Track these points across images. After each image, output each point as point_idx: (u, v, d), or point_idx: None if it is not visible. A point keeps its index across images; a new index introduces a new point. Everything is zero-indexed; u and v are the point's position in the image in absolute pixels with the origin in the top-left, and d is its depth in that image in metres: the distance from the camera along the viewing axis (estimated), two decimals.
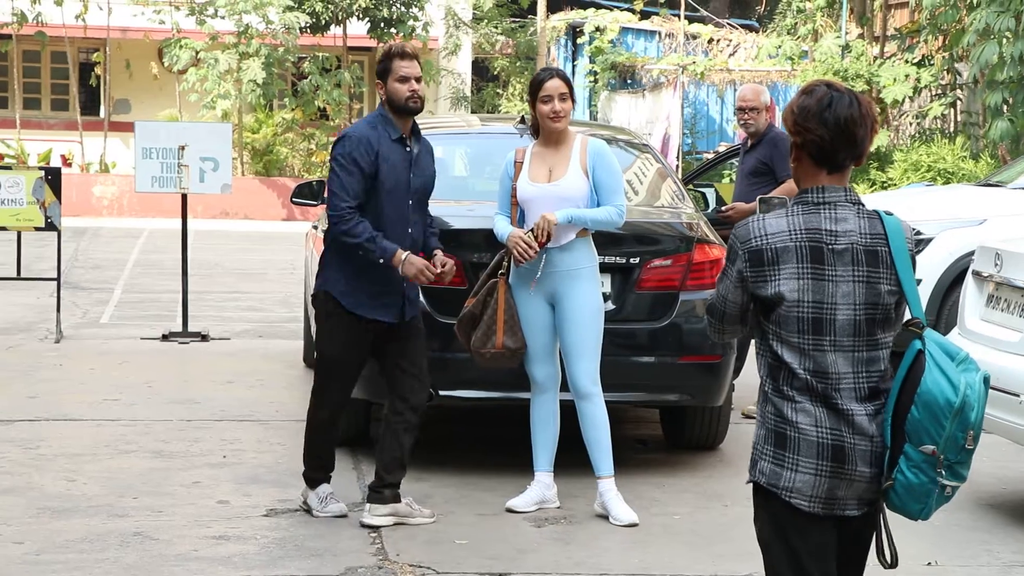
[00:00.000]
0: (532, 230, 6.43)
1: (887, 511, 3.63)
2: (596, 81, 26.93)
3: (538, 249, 6.43)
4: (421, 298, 6.70)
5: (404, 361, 6.35)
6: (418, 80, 6.27)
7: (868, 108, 3.62)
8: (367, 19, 23.90)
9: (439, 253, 6.41)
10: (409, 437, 6.35)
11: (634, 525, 6.42)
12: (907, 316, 3.62)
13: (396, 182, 6.25)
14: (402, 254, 6.16)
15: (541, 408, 6.67)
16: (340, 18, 23.87)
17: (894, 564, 3.64)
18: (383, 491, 6.29)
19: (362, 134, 6.24)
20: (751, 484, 3.69)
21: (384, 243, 6.16)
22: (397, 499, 6.32)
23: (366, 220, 6.17)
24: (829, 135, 3.58)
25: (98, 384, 9.43)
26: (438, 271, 6.30)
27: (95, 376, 9.75)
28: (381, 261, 6.16)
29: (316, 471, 6.47)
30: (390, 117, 6.30)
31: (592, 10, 27.93)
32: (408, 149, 6.32)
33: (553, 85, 6.53)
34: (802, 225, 3.59)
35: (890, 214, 3.65)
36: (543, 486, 6.69)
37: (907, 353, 3.53)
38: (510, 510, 6.61)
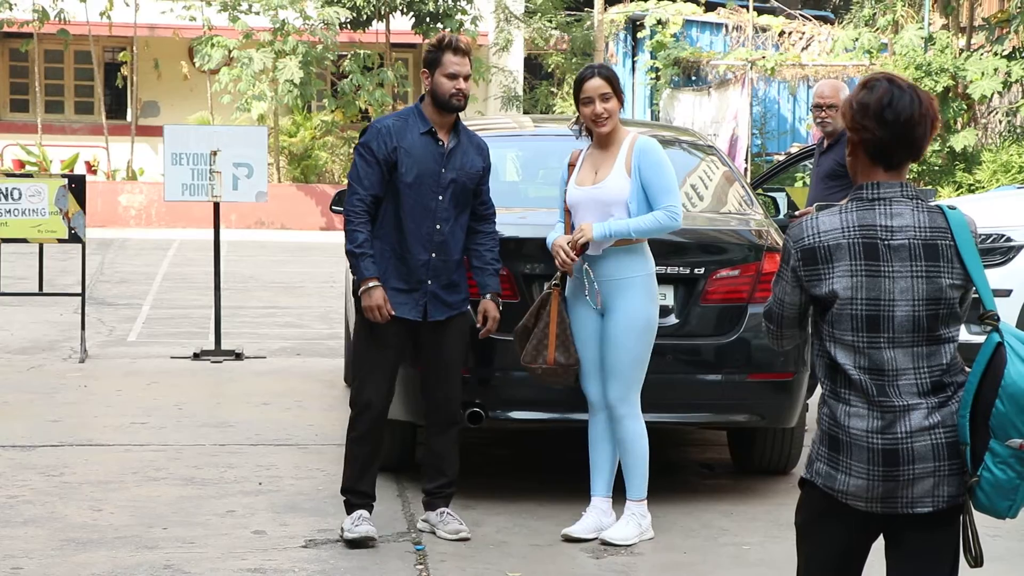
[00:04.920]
0: (573, 237, 6.49)
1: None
2: (657, 78, 26.90)
3: (575, 257, 6.48)
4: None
5: (430, 369, 6.65)
6: (467, 78, 6.50)
7: (929, 106, 3.74)
8: (411, 13, 24.01)
9: (488, 303, 6.63)
10: (443, 442, 6.69)
11: (629, 545, 6.51)
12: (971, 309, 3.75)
13: (420, 175, 6.46)
14: (370, 283, 6.37)
15: (594, 428, 6.69)
16: (383, 13, 24.00)
17: (979, 563, 3.71)
18: (429, 500, 6.71)
19: (385, 124, 6.53)
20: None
21: (365, 263, 6.40)
22: (435, 506, 6.69)
23: (367, 228, 6.43)
24: (887, 134, 3.71)
25: (125, 406, 9.51)
26: (481, 325, 6.63)
27: (122, 398, 9.83)
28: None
29: (353, 491, 6.56)
30: (424, 111, 6.55)
31: (653, 2, 27.91)
32: (439, 143, 6.52)
33: (593, 85, 6.54)
34: (855, 222, 3.72)
35: (953, 208, 3.77)
36: (600, 512, 6.70)
37: (984, 347, 3.62)
38: (567, 538, 6.62)
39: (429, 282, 6.51)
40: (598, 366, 6.61)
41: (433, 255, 6.50)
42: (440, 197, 6.49)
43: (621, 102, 6.62)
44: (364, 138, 6.52)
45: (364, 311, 6.42)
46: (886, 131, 3.70)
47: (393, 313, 6.42)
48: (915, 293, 3.68)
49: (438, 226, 6.49)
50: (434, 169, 6.49)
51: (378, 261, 6.46)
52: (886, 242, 3.69)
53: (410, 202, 6.46)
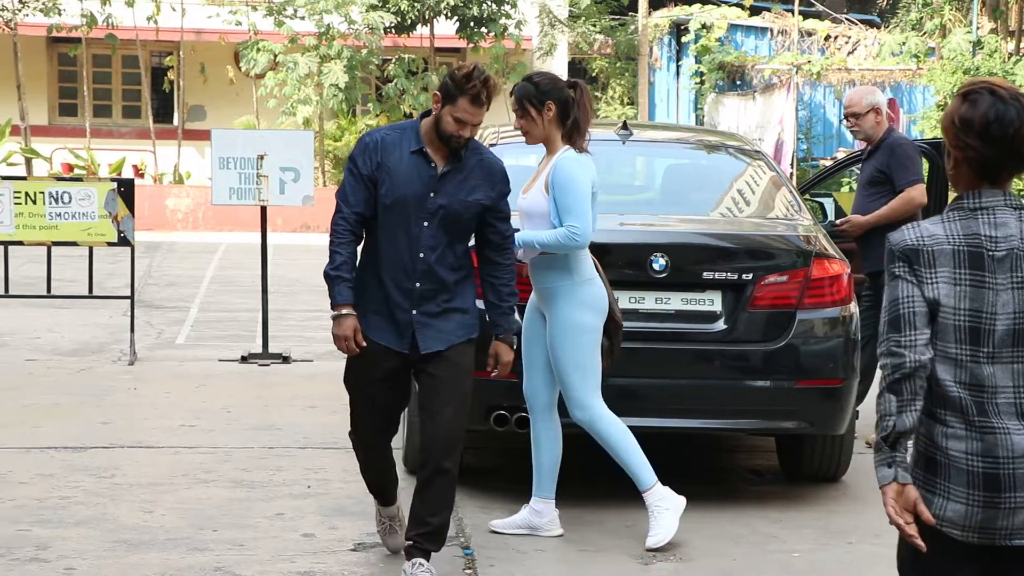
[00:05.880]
0: None
1: None
2: (702, 83, 26.88)
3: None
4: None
5: (424, 402, 5.97)
6: (476, 126, 5.89)
7: None
8: (456, 18, 24.05)
9: (499, 344, 6.05)
10: (426, 488, 5.95)
11: (669, 541, 6.53)
12: None
13: (400, 198, 5.84)
14: (342, 310, 5.80)
15: (532, 429, 6.85)
16: (427, 17, 24.04)
17: None
18: (408, 548, 6.02)
19: (375, 139, 5.94)
20: None
21: (339, 287, 5.81)
22: (411, 555, 5.98)
23: (347, 249, 5.83)
24: (993, 152, 3.58)
25: (174, 409, 9.58)
26: (489, 369, 6.07)
27: (171, 400, 9.90)
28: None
29: (373, 491, 6.39)
30: (422, 129, 5.92)
31: (698, 6, 27.88)
32: (431, 164, 5.87)
33: (512, 102, 6.68)
34: (960, 231, 3.59)
35: None
36: (531, 511, 6.80)
37: None
38: (492, 531, 6.79)
39: (414, 312, 5.88)
40: (540, 369, 6.71)
41: (417, 284, 5.87)
42: (425, 223, 5.85)
43: (540, 114, 6.58)
44: (354, 151, 5.96)
45: (334, 340, 5.88)
46: (992, 149, 3.56)
47: (364, 344, 5.83)
48: (1016, 305, 3.55)
49: (421, 254, 5.86)
50: (420, 192, 5.84)
51: (363, 286, 5.89)
52: (991, 253, 3.55)
53: (390, 226, 5.86)
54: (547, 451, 6.78)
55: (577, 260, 6.56)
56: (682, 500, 6.68)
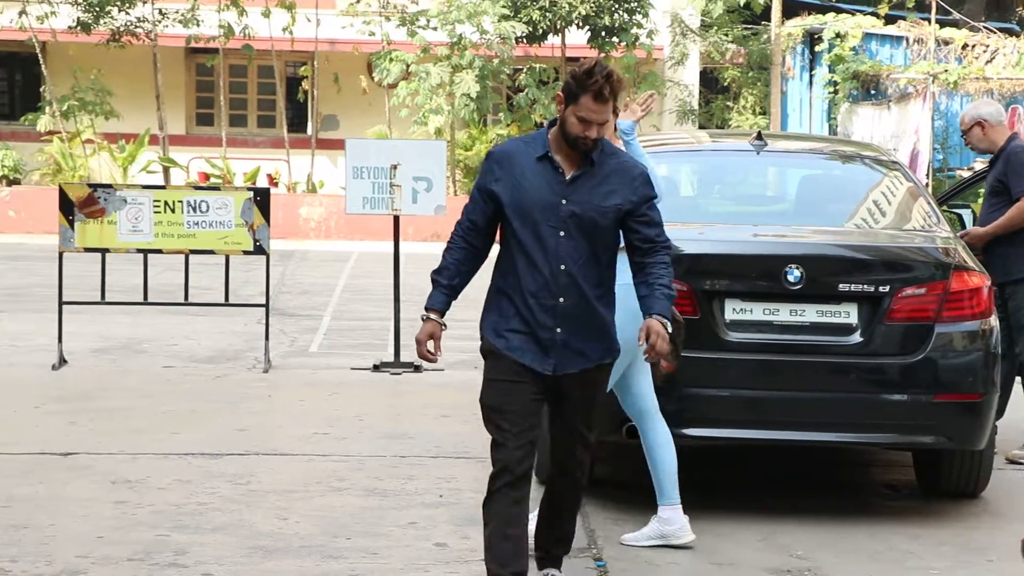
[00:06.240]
0: None
1: None
2: (836, 92, 26.60)
3: None
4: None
5: (558, 421, 5.72)
6: (603, 125, 5.55)
7: None
8: (587, 27, 24.06)
9: (652, 321, 5.54)
10: (566, 507, 5.87)
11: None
12: None
13: (529, 207, 5.53)
14: (430, 313, 5.57)
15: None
16: (558, 27, 24.08)
17: None
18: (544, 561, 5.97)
19: (500, 149, 5.69)
20: None
21: (433, 291, 5.60)
22: (559, 561, 5.97)
23: (453, 257, 5.63)
24: None
25: (308, 417, 9.67)
26: (648, 350, 5.54)
27: (305, 408, 10.00)
28: None
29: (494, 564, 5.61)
30: (550, 135, 5.62)
31: (832, 15, 27.60)
32: (558, 170, 5.56)
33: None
34: None
35: None
36: (662, 521, 6.78)
37: None
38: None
39: (558, 330, 5.54)
40: (623, 378, 6.74)
41: (561, 299, 5.53)
42: (561, 233, 5.52)
43: None
44: (482, 163, 5.74)
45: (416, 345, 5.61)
46: None
47: (436, 357, 5.58)
48: None
49: (563, 266, 5.52)
50: (548, 200, 5.53)
51: (500, 305, 5.60)
52: None
53: (524, 239, 5.54)
54: (660, 457, 6.75)
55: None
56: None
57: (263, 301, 11.93)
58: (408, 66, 23.87)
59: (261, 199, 11.28)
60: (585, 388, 5.65)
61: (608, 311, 5.66)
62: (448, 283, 5.62)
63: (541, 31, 23.95)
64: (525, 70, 24.46)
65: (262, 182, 24.72)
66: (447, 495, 7.64)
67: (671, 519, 6.73)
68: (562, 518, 5.90)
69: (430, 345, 5.57)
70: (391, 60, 23.92)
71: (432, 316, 5.58)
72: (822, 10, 28.46)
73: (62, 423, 9.26)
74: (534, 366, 5.56)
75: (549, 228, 5.54)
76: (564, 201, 5.55)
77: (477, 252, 5.70)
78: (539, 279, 5.53)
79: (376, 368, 11.51)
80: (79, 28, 24.19)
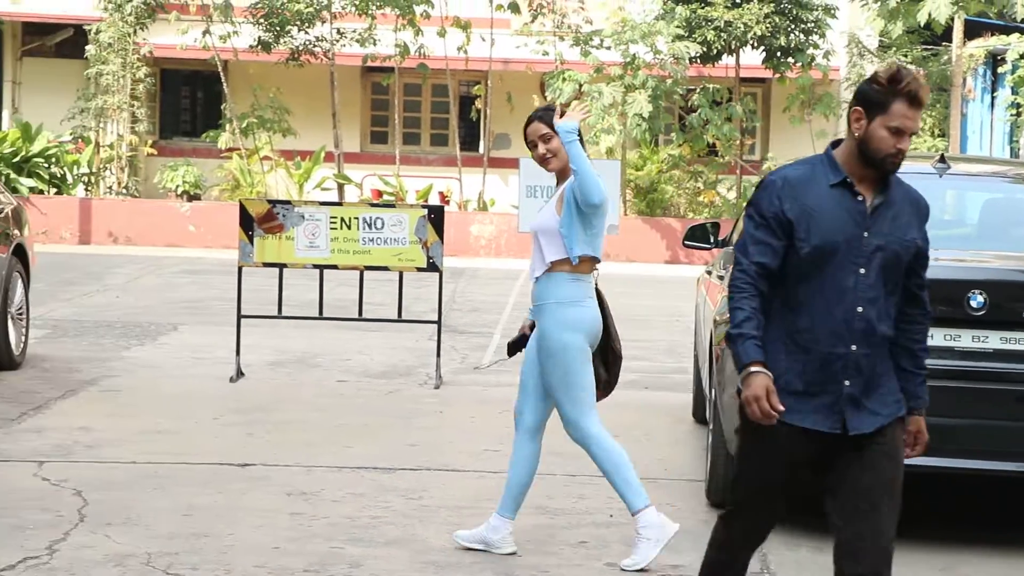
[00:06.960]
0: None
1: None
2: (1019, 114, 26.02)
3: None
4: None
5: (847, 499, 4.93)
6: (912, 136, 4.91)
7: None
8: (762, 48, 23.91)
9: (919, 419, 5.01)
10: None
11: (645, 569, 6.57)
12: None
13: (829, 241, 4.86)
14: (751, 368, 4.83)
15: (513, 447, 7.07)
16: (733, 47, 23.96)
17: None
18: None
19: (780, 176, 5.00)
20: None
21: (746, 345, 4.87)
22: None
23: (750, 304, 4.90)
24: None
25: (479, 433, 9.73)
26: (908, 450, 5.02)
27: (475, 425, 10.06)
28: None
29: None
30: (838, 158, 4.96)
31: (1016, 36, 27.01)
32: (858, 197, 4.90)
33: (532, 130, 6.88)
34: None
35: None
36: (489, 527, 6.91)
37: None
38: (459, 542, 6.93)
39: (847, 383, 4.88)
40: (531, 391, 6.93)
41: (853, 347, 4.88)
42: (862, 270, 4.87)
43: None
44: (754, 197, 5.03)
45: (744, 404, 4.85)
46: None
47: (782, 410, 4.81)
48: None
49: (859, 308, 4.87)
50: (852, 233, 4.87)
51: (774, 359, 4.89)
52: None
53: (818, 277, 4.89)
54: (517, 472, 6.96)
55: (569, 284, 6.75)
56: (672, 529, 6.71)
57: (435, 317, 12.03)
58: (581, 85, 23.92)
59: (435, 217, 11.38)
60: (880, 452, 4.95)
61: (889, 359, 5.02)
62: (756, 333, 4.87)
63: (715, 51, 23.85)
64: (698, 90, 24.35)
65: (434, 200, 24.97)
66: (617, 515, 7.62)
67: (498, 528, 6.91)
68: None
69: (773, 400, 4.80)
70: (564, 79, 24.00)
71: (756, 368, 4.82)
72: (1006, 30, 27.86)
73: (240, 434, 9.45)
74: (817, 426, 4.94)
75: (849, 265, 4.89)
76: (866, 234, 4.90)
77: (763, 296, 4.95)
78: (830, 325, 4.91)
79: None
80: (260, 47, 24.73)
